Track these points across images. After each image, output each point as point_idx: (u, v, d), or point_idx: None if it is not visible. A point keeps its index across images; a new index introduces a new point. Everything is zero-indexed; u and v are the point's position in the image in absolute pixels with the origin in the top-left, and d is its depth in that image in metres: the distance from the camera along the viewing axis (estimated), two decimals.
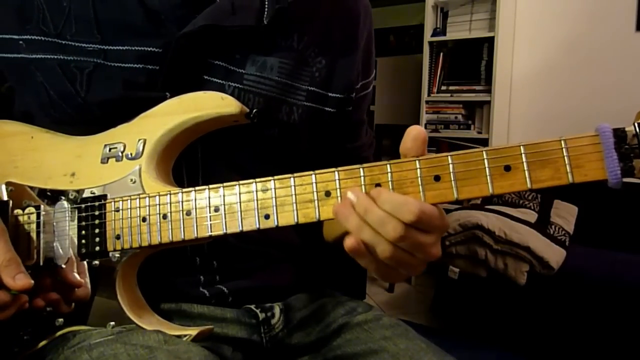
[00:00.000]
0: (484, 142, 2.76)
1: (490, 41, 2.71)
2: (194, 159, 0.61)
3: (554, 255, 1.99)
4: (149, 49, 0.57)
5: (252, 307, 0.66)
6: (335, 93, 0.67)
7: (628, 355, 1.85)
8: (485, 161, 0.46)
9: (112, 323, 0.56)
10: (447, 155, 0.47)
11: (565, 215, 2.28)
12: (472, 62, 2.82)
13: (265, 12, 0.59)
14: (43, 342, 0.56)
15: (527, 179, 0.45)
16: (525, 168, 0.45)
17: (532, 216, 2.22)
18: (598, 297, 1.92)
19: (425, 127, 2.94)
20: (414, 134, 0.47)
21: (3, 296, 0.49)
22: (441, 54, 2.91)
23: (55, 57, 0.57)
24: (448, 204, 2.82)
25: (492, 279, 2.08)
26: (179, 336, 0.55)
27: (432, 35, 2.91)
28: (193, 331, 0.55)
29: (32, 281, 0.50)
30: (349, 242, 0.46)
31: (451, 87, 2.90)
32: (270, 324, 0.66)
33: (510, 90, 2.89)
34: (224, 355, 0.61)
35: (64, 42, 0.57)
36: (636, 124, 0.45)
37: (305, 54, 0.64)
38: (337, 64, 0.67)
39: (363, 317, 0.68)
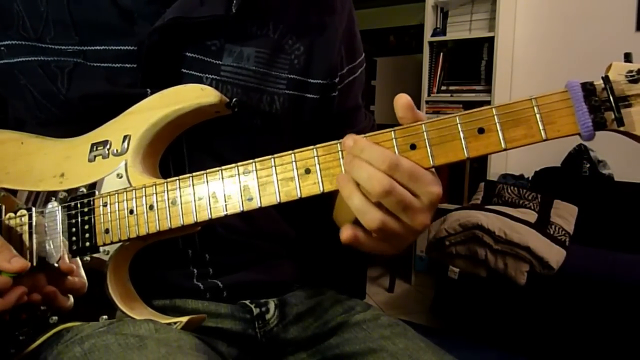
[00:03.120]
0: None
1: (490, 41, 2.70)
2: (179, 153, 0.62)
3: (554, 255, 1.98)
4: (125, 48, 0.59)
5: (247, 302, 0.67)
6: (317, 79, 0.67)
7: (628, 355, 1.84)
8: (459, 126, 0.47)
9: (105, 316, 0.56)
10: (422, 124, 0.48)
11: (565, 215, 2.27)
12: (472, 62, 2.81)
13: (234, 1, 0.59)
14: (38, 341, 0.56)
15: (501, 140, 0.46)
16: (499, 129, 0.46)
17: (532, 216, 2.22)
18: (598, 297, 1.91)
19: None
20: (401, 103, 0.48)
21: (3, 279, 0.51)
22: (441, 54, 2.91)
23: (36, 58, 0.59)
24: (448, 204, 2.83)
25: (492, 279, 2.07)
26: (170, 324, 0.55)
27: (432, 35, 2.91)
28: (184, 318, 0.56)
29: (29, 262, 0.52)
30: (344, 235, 0.48)
31: (451, 87, 2.89)
32: (264, 319, 0.66)
33: (510, 90, 2.88)
34: (219, 350, 0.61)
35: (44, 45, 0.58)
36: (603, 77, 0.44)
37: (282, 42, 0.65)
38: (315, 50, 0.67)
39: (361, 316, 0.67)
